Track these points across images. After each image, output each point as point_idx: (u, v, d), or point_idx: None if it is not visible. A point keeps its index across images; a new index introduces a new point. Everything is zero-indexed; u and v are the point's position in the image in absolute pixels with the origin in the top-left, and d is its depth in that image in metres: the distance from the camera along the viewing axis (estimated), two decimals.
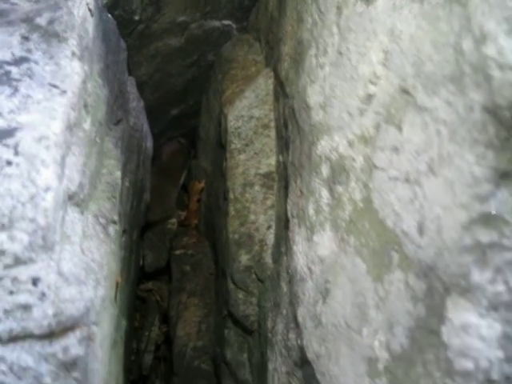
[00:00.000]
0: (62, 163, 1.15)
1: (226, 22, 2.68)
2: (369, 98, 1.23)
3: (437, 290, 0.95)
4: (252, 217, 2.10)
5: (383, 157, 1.16)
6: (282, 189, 1.96)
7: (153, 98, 2.77)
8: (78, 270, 1.17)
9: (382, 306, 1.12)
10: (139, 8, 2.11)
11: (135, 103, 2.38)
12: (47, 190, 1.05)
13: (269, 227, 2.06)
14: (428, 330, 0.98)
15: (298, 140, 1.67)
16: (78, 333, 1.10)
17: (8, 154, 1.08)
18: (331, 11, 1.47)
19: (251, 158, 2.19)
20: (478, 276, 0.90)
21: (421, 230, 1.00)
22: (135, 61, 2.41)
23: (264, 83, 2.26)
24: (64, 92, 1.27)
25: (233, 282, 2.09)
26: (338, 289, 1.31)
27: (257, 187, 2.13)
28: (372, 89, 1.22)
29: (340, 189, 1.35)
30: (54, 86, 1.27)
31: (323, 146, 1.43)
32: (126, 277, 2.24)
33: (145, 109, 2.70)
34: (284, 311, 1.69)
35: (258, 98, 2.25)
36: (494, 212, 0.87)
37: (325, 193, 1.42)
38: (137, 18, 2.15)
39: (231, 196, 2.17)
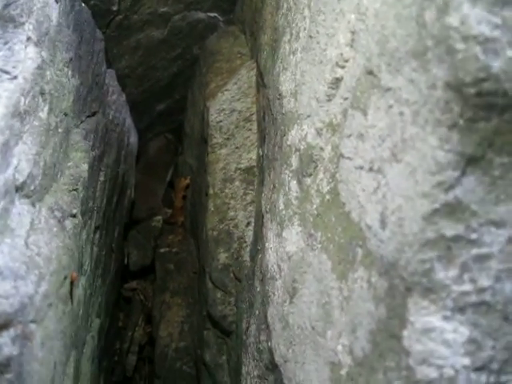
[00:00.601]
0: (5, 151, 1.07)
1: (212, 14, 2.60)
2: (336, 82, 1.15)
3: (398, 289, 0.87)
4: (231, 213, 2.02)
5: (350, 145, 1.07)
6: (260, 184, 1.87)
7: (137, 92, 2.69)
8: (17, 265, 1.09)
9: (346, 307, 1.04)
10: None
11: (115, 96, 2.31)
12: None
13: (248, 224, 1.98)
14: (389, 333, 0.89)
15: (272, 131, 1.59)
16: (11, 331, 1.02)
17: None
18: None
19: (232, 152, 2.11)
20: (442, 274, 0.82)
21: (383, 222, 0.92)
22: (115, 53, 2.33)
23: (246, 75, 2.18)
24: (14, 77, 1.19)
25: (211, 281, 2.01)
26: (304, 288, 1.22)
27: (237, 182, 2.05)
28: (340, 72, 1.14)
29: (308, 181, 1.26)
30: (5, 72, 1.20)
31: (293, 135, 1.35)
32: (102, 274, 2.16)
33: (128, 103, 2.62)
34: (257, 311, 1.60)
35: (241, 90, 2.17)
36: (459, 202, 0.79)
37: (294, 185, 1.34)
38: (114, 8, 2.07)
39: (211, 191, 2.09)
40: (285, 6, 1.57)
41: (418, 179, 0.83)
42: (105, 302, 2.21)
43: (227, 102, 2.17)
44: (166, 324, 2.55)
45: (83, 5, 1.90)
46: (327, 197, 1.17)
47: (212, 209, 2.06)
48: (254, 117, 2.12)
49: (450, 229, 0.80)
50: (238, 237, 1.98)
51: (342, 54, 1.12)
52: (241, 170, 2.06)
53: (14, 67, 1.22)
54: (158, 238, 2.93)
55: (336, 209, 1.12)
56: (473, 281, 0.82)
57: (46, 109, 1.36)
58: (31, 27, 1.33)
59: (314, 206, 1.23)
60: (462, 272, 0.81)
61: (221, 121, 2.16)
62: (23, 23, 1.31)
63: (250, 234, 1.95)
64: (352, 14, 1.09)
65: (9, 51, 1.26)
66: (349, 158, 1.08)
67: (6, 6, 1.34)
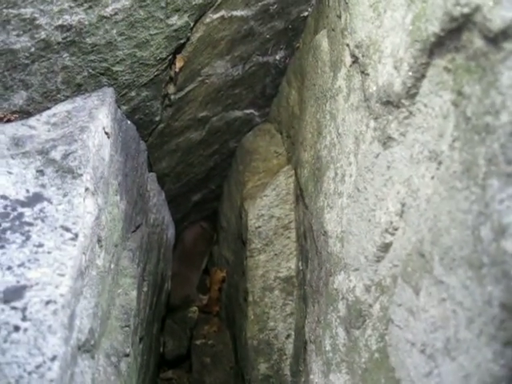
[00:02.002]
0: (70, 324, 1.13)
1: (248, 111, 2.68)
2: (386, 246, 1.19)
3: None
4: (271, 323, 2.05)
5: (400, 315, 1.11)
6: (302, 299, 1.90)
7: (174, 187, 2.76)
8: None
9: None
10: (159, 109, 2.11)
11: (156, 199, 2.38)
12: (53, 359, 1.02)
13: (288, 336, 2.00)
14: None
15: (316, 261, 1.63)
16: None
17: (16, 319, 1.06)
18: (349, 137, 1.45)
19: (271, 259, 2.15)
20: None
21: None
22: (156, 156, 2.41)
23: (285, 182, 2.24)
24: (76, 236, 1.25)
25: None
26: None
27: (276, 292, 2.09)
28: (389, 238, 1.18)
29: (356, 333, 1.29)
30: (66, 230, 1.26)
31: (340, 281, 1.39)
32: (144, 377, 2.19)
33: (167, 198, 2.69)
34: None
35: (279, 196, 2.22)
36: None
37: (341, 332, 1.37)
38: (157, 118, 2.15)
39: (250, 299, 2.12)
40: (328, 138, 1.62)
41: None
42: None
43: (266, 208, 2.23)
44: None
45: (129, 122, 1.98)
46: (376, 355, 1.20)
47: (252, 317, 2.09)
48: (293, 224, 2.17)
49: None
50: (278, 348, 2.01)
51: (391, 222, 1.16)
52: (280, 279, 2.10)
53: (74, 223, 1.28)
54: (193, 328, 2.96)
55: (386, 371, 1.15)
56: None
57: (102, 254, 1.42)
58: (88, 177, 1.39)
59: (363, 360, 1.25)
60: None
61: (260, 226, 2.21)
62: (81, 174, 1.38)
63: (289, 347, 1.98)
64: (402, 186, 1.13)
65: (68, 205, 1.32)
66: (399, 327, 1.11)
67: (65, 156, 1.42)
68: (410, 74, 1.08)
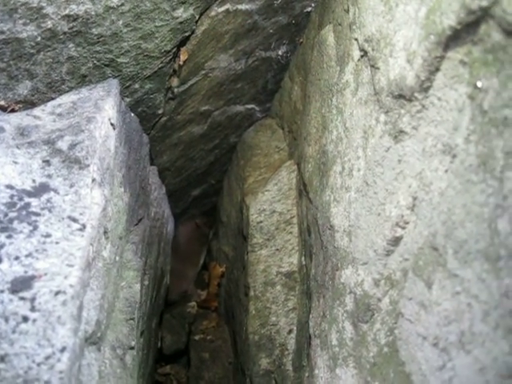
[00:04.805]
0: (79, 314, 1.12)
1: (250, 106, 2.67)
2: (396, 240, 1.19)
3: None
4: (273, 318, 2.04)
5: (411, 308, 1.10)
6: (304, 295, 1.90)
7: (175, 181, 2.75)
8: None
9: None
10: (162, 102, 2.10)
11: (156, 193, 2.37)
12: (63, 350, 1.01)
13: (290, 331, 2.00)
14: None
15: (321, 256, 1.62)
16: None
17: (24, 310, 1.05)
18: (357, 132, 1.44)
19: (273, 254, 2.15)
20: None
21: None
22: (157, 150, 2.40)
23: (287, 177, 2.23)
24: (83, 227, 1.24)
25: None
26: None
27: (278, 287, 2.08)
28: (400, 232, 1.17)
29: (364, 327, 1.29)
30: (74, 220, 1.25)
31: (348, 276, 1.38)
32: (143, 371, 2.18)
33: (167, 192, 2.68)
34: None
35: (281, 191, 2.22)
36: None
37: (348, 326, 1.36)
38: (160, 111, 2.14)
39: (252, 294, 2.12)
40: (334, 132, 1.62)
41: (488, 379, 0.85)
42: None
43: (268, 203, 2.22)
44: None
45: (132, 114, 1.97)
46: (385, 349, 1.20)
47: (253, 312, 2.08)
48: (295, 220, 2.16)
49: None
50: (280, 343, 2.00)
51: (402, 216, 1.16)
52: (282, 274, 2.10)
53: (81, 214, 1.27)
54: (192, 323, 2.95)
55: (395, 365, 1.15)
56: None
57: (108, 246, 1.41)
58: (95, 168, 1.38)
59: (371, 354, 1.25)
60: None
61: (261, 221, 2.21)
62: (88, 165, 1.37)
63: (291, 342, 1.97)
64: (414, 180, 1.13)
65: (75, 195, 1.31)
66: (409, 321, 1.11)
67: (72, 146, 1.41)
68: (424, 67, 1.08)
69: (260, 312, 2.08)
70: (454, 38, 1.00)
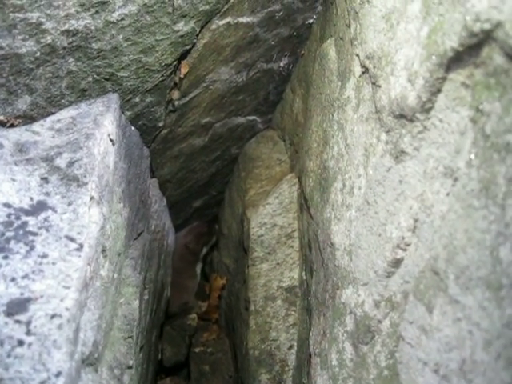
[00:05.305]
0: (75, 337, 1.10)
1: (251, 118, 2.66)
2: (397, 262, 1.17)
3: None
4: (273, 333, 2.03)
5: (412, 332, 1.09)
6: (305, 310, 1.88)
7: (176, 193, 2.74)
8: None
9: None
10: (163, 115, 2.09)
11: (157, 205, 2.35)
12: (58, 374, 1.00)
13: (290, 347, 1.98)
14: None
15: (321, 273, 1.61)
16: None
17: (20, 333, 1.03)
18: (358, 149, 1.43)
19: (273, 268, 2.13)
20: None
21: None
22: (158, 162, 2.39)
23: (288, 190, 2.22)
24: (81, 246, 1.22)
25: None
26: None
27: (279, 301, 2.06)
28: (401, 254, 1.16)
29: (365, 348, 1.27)
30: (71, 240, 1.24)
31: (348, 295, 1.37)
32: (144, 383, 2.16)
33: (168, 204, 2.67)
34: None
35: (282, 205, 2.20)
36: None
37: (348, 347, 1.35)
38: (161, 124, 2.13)
39: (252, 308, 2.10)
40: (335, 148, 1.60)
41: None
42: None
43: (268, 216, 2.21)
44: None
45: (133, 128, 1.96)
46: (385, 372, 1.18)
47: (253, 326, 2.07)
48: (296, 234, 2.15)
49: None
50: (280, 359, 1.98)
51: (403, 238, 1.14)
52: (282, 288, 2.08)
53: (79, 233, 1.26)
54: (192, 336, 2.93)
55: None
56: None
57: (107, 264, 1.40)
58: (94, 186, 1.37)
59: (371, 377, 1.23)
60: None
61: (262, 235, 2.19)
62: (86, 183, 1.36)
63: (292, 358, 1.96)
64: (415, 201, 1.11)
65: (73, 214, 1.30)
66: (410, 345, 1.09)
67: (70, 163, 1.39)
68: (426, 87, 1.06)
69: (260, 327, 2.06)
70: (456, 59, 0.98)
